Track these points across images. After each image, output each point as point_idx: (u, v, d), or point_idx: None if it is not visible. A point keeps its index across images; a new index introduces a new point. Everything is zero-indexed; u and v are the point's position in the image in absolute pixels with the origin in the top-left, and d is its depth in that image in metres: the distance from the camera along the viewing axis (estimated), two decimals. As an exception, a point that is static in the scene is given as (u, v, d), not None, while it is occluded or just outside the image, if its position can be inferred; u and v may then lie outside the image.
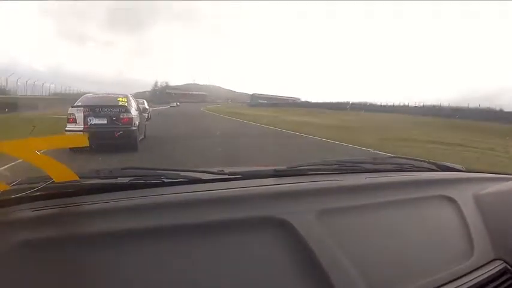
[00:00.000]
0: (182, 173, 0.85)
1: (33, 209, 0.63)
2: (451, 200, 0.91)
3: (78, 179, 0.70)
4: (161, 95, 72.83)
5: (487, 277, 0.71)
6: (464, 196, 0.94)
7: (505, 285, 0.72)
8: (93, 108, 6.31)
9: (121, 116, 6.35)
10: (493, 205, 0.94)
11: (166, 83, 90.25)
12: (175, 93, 76.49)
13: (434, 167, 1.14)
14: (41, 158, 0.64)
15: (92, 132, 6.03)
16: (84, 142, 0.68)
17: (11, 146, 0.63)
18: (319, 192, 0.82)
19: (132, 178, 0.78)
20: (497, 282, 0.72)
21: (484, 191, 1.00)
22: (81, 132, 5.87)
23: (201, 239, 0.62)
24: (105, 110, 6.35)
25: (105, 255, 0.57)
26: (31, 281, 0.51)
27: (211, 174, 0.87)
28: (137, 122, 6.80)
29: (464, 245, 0.79)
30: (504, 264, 0.76)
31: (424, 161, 1.19)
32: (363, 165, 1.12)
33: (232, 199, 0.73)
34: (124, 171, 0.84)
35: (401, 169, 1.12)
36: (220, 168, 0.90)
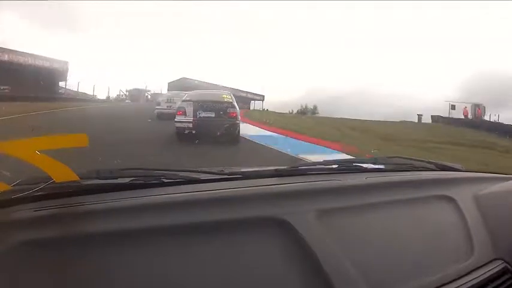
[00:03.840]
0: (182, 173, 0.85)
1: (33, 209, 0.63)
2: (451, 200, 0.91)
3: (78, 179, 0.70)
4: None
5: (487, 277, 0.71)
6: (464, 196, 0.94)
7: (505, 285, 0.72)
8: (202, 103, 7.03)
9: (228, 111, 7.06)
10: (493, 205, 0.94)
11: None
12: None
13: (434, 167, 1.14)
14: (41, 158, 0.64)
15: (201, 124, 6.76)
16: (84, 142, 0.69)
17: (11, 146, 0.64)
18: (319, 192, 0.82)
19: (132, 178, 0.78)
20: (497, 282, 0.72)
21: (484, 191, 1.00)
22: (191, 124, 6.76)
23: (201, 239, 0.62)
24: (214, 105, 7.07)
25: (105, 255, 0.57)
26: (31, 281, 0.52)
27: (211, 174, 0.87)
28: (239, 117, 7.49)
29: (464, 245, 0.79)
30: (504, 264, 0.76)
31: (424, 161, 1.19)
32: (362, 165, 1.12)
33: (232, 199, 0.73)
34: (124, 171, 0.84)
35: (401, 169, 1.12)
36: (220, 168, 0.90)
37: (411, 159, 1.22)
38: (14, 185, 0.70)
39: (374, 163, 1.19)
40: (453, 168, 1.16)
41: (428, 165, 1.15)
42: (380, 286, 0.62)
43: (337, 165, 1.07)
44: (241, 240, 0.64)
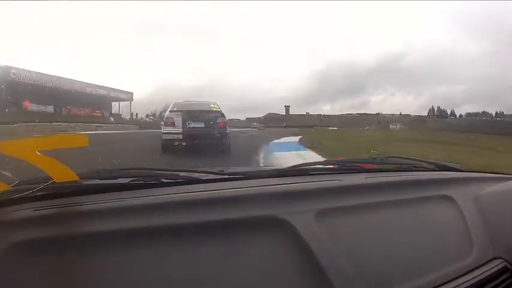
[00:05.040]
0: (182, 173, 0.85)
1: (33, 209, 0.63)
2: (450, 200, 0.91)
3: (78, 179, 0.70)
4: None
5: (487, 276, 0.71)
6: (464, 196, 0.94)
7: (505, 283, 0.72)
8: (191, 113, 6.84)
9: (217, 120, 6.94)
10: (493, 205, 0.94)
11: None
12: None
13: (434, 167, 1.14)
14: (41, 158, 0.64)
15: (191, 134, 6.58)
16: (84, 142, 0.69)
17: (11, 146, 0.64)
18: (319, 192, 0.82)
19: (132, 178, 0.78)
20: (497, 281, 0.72)
21: (483, 190, 1.00)
22: (180, 135, 6.52)
23: (201, 239, 0.62)
24: (203, 114, 6.91)
25: (105, 255, 0.57)
26: (31, 281, 0.52)
27: (211, 174, 0.87)
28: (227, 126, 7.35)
29: (464, 244, 0.79)
30: (504, 263, 0.76)
31: (424, 161, 1.19)
32: (362, 165, 1.12)
33: (232, 199, 0.73)
34: (124, 171, 0.84)
35: (401, 169, 1.12)
36: (221, 168, 0.90)
37: (411, 159, 1.22)
38: (14, 185, 0.70)
39: (374, 163, 1.19)
40: (453, 168, 1.16)
41: (428, 165, 1.15)
42: (380, 285, 0.62)
43: (337, 165, 1.07)
44: (242, 240, 0.64)
